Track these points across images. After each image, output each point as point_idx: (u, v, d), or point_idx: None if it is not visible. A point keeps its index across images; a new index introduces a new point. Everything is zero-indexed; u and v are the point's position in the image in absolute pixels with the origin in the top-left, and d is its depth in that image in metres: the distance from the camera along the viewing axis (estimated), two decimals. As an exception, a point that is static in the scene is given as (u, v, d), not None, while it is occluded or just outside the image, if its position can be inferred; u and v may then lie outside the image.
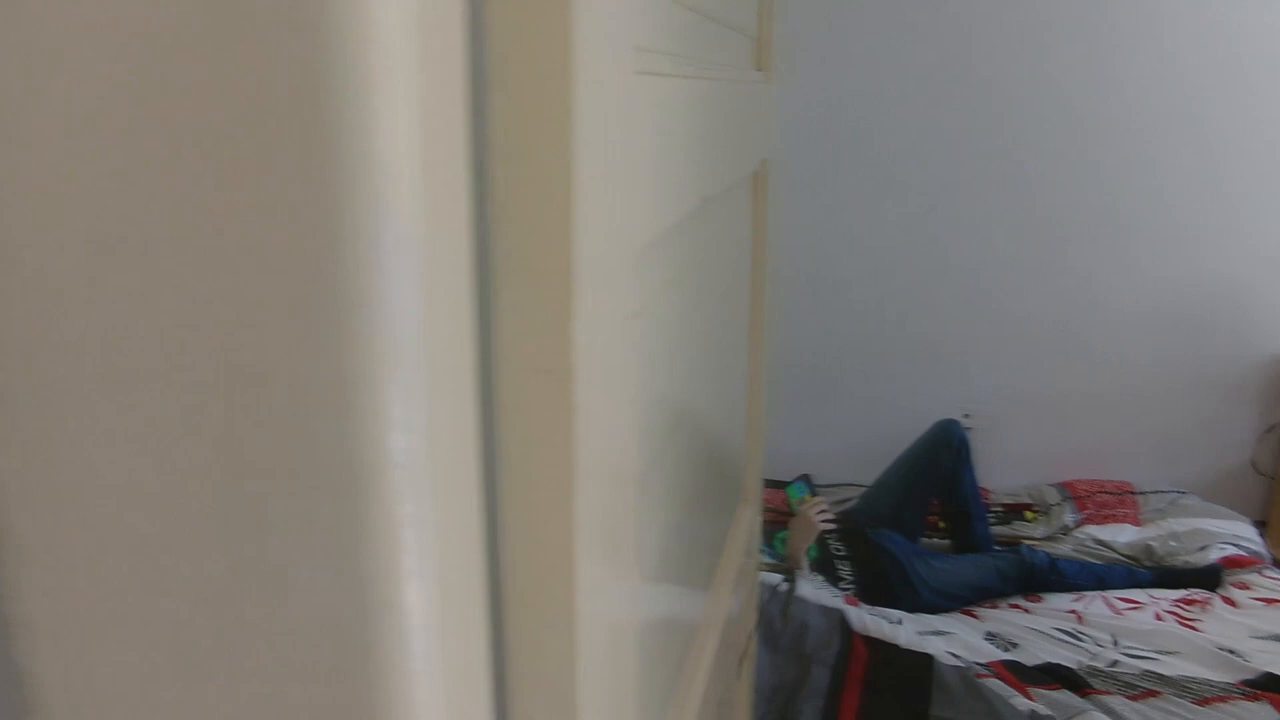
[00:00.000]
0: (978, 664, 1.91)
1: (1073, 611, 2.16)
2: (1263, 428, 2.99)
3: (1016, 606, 2.21)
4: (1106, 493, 2.73)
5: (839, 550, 2.35)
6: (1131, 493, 2.75)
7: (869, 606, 2.06)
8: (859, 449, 2.59)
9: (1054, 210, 2.73)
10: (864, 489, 2.61)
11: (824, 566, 2.28)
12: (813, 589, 1.99)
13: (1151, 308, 2.82)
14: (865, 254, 2.75)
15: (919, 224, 2.74)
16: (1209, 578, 2.34)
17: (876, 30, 2.64)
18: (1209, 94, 2.64)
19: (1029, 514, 2.66)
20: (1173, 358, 2.88)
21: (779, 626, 1.77)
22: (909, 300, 2.78)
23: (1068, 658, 1.97)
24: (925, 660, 1.73)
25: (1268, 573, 2.31)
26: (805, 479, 2.40)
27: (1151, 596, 2.24)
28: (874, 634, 1.88)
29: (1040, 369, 2.86)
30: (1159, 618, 2.15)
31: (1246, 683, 1.90)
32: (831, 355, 2.83)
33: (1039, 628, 2.08)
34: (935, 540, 2.58)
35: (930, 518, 2.58)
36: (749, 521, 0.96)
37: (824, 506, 2.23)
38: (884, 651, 1.77)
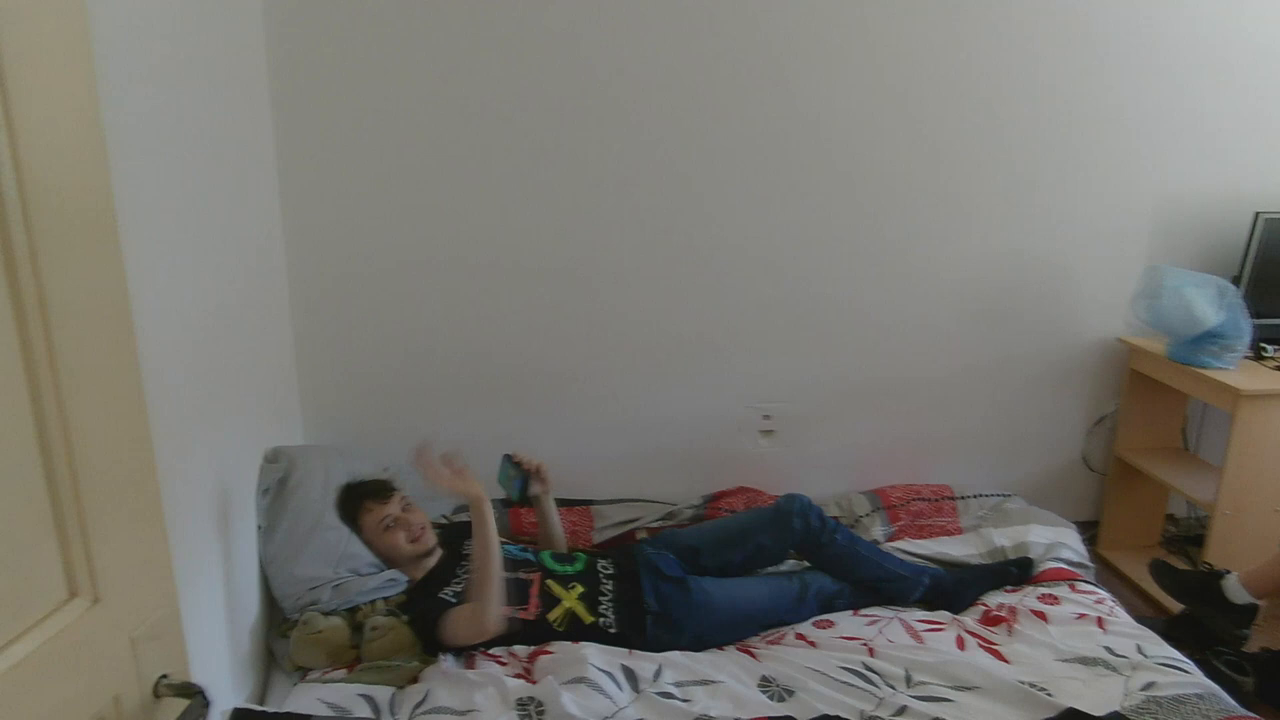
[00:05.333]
0: (739, 722, 1.57)
1: (866, 645, 1.83)
2: (1092, 419, 2.77)
3: (802, 638, 1.88)
4: (922, 499, 2.44)
5: (606, 569, 1.98)
6: (950, 498, 2.47)
7: (603, 661, 1.71)
8: (631, 459, 2.22)
9: (862, 187, 2.44)
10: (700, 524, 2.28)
11: (589, 597, 1.91)
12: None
13: (966, 292, 2.56)
14: (639, 243, 2.39)
15: (696, 205, 2.40)
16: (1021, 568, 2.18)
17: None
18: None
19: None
20: (992, 346, 2.62)
21: None
22: (689, 291, 2.43)
23: (850, 707, 1.64)
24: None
25: (1082, 586, 2.05)
26: (507, 458, 2.01)
27: (954, 617, 1.95)
28: None
29: (845, 362, 2.56)
30: (960, 642, 1.86)
31: (1048, 721, 1.61)
32: (604, 356, 2.45)
33: (822, 668, 1.74)
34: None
35: None
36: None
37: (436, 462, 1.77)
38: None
